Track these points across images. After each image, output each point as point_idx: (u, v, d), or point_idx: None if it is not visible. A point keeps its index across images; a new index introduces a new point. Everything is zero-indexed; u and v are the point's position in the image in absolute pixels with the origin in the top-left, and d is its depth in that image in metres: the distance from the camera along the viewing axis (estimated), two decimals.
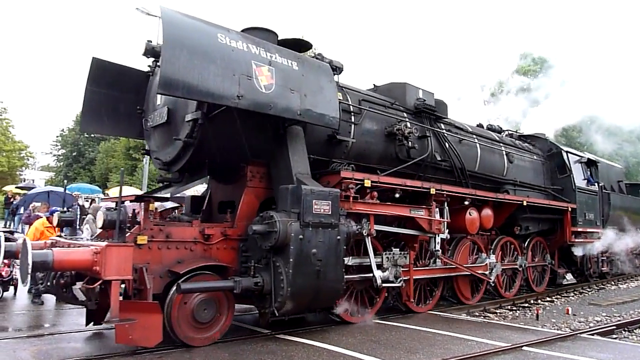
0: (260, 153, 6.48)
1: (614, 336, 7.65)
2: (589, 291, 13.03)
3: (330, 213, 6.00)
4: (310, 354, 5.25)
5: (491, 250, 9.97)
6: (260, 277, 5.76)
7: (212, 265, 5.81)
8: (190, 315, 5.47)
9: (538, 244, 11.83)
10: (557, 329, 8.08)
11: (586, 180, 12.93)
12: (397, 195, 7.56)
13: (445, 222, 8.39)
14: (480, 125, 11.83)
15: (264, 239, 5.72)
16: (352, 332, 6.41)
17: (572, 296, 12.12)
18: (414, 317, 7.76)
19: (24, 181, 40.70)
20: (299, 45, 7.25)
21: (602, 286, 14.12)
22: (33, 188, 20.98)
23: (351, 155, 7.57)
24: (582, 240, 12.47)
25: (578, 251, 12.69)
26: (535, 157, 12.54)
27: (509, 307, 10.09)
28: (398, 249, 7.71)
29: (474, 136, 10.31)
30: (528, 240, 11.39)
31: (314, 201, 5.84)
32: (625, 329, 8.26)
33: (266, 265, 5.84)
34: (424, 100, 9.07)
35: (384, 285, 7.20)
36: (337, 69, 7.45)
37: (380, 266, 7.25)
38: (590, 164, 13.51)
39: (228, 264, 6.00)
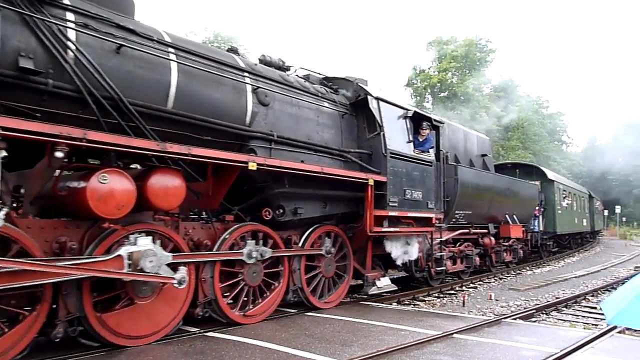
0: None
1: (534, 319, 8.12)
2: (507, 277, 13.88)
3: None
4: (242, 353, 4.96)
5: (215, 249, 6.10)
6: None
7: None
8: None
9: (332, 237, 7.73)
10: (483, 315, 8.44)
11: (412, 144, 8.84)
12: None
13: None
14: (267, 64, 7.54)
15: None
16: (286, 327, 6.22)
17: (494, 282, 12.81)
18: (348, 308, 7.72)
19: None
20: None
21: (519, 271, 15.11)
22: None
23: None
24: (395, 230, 8.29)
25: (393, 246, 8.80)
26: (327, 105, 7.95)
27: (436, 294, 10.44)
28: None
29: (170, 49, 5.75)
30: (310, 230, 7.40)
31: None
32: (543, 312, 8.83)
33: None
34: None
35: None
36: None
37: None
38: (420, 120, 9.26)
39: None
